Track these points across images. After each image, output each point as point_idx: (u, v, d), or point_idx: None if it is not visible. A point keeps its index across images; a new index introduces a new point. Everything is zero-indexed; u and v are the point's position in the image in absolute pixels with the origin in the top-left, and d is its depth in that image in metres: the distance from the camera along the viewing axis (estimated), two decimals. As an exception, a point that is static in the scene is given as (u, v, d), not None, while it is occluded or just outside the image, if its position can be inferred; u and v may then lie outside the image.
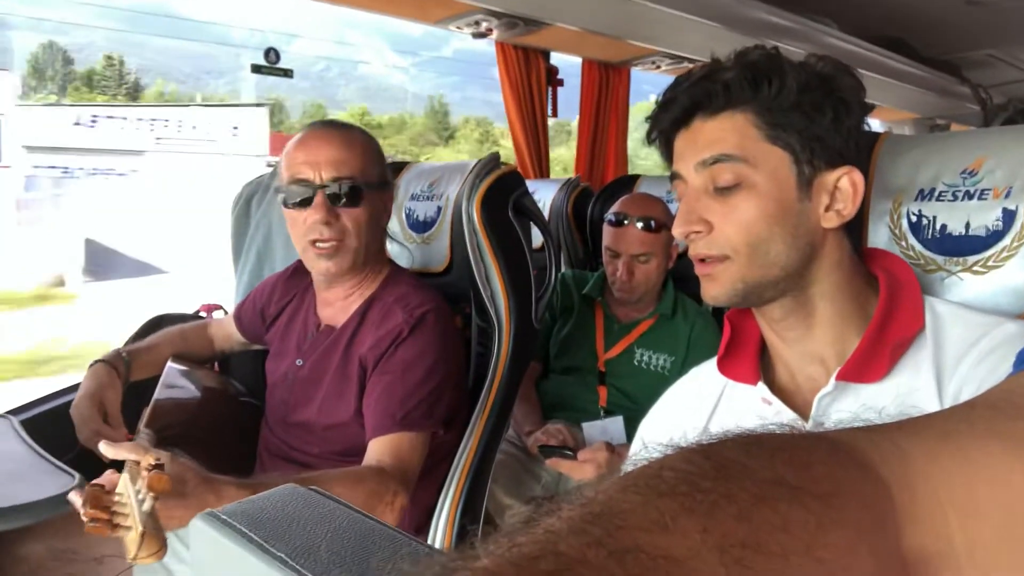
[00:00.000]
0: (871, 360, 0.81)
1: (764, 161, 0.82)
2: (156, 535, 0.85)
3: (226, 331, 1.67)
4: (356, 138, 1.37)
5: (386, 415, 1.28)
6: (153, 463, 0.90)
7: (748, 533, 0.27)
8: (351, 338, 1.40)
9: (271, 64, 2.53)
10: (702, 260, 0.85)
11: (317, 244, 1.33)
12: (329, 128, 1.38)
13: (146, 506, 0.87)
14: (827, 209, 0.83)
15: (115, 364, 1.43)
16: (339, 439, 1.38)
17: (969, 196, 0.91)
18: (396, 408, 1.28)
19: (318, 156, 1.32)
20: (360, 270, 1.40)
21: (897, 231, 0.96)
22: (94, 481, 0.98)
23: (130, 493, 0.91)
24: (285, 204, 1.36)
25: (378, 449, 1.26)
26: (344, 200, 1.32)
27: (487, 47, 2.90)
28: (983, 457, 0.35)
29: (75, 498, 1.00)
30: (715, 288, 0.85)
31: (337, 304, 1.45)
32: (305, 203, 1.32)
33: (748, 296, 0.85)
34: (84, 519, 0.93)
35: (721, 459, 0.31)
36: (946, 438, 0.37)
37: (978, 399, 0.41)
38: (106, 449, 1.00)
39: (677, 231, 0.86)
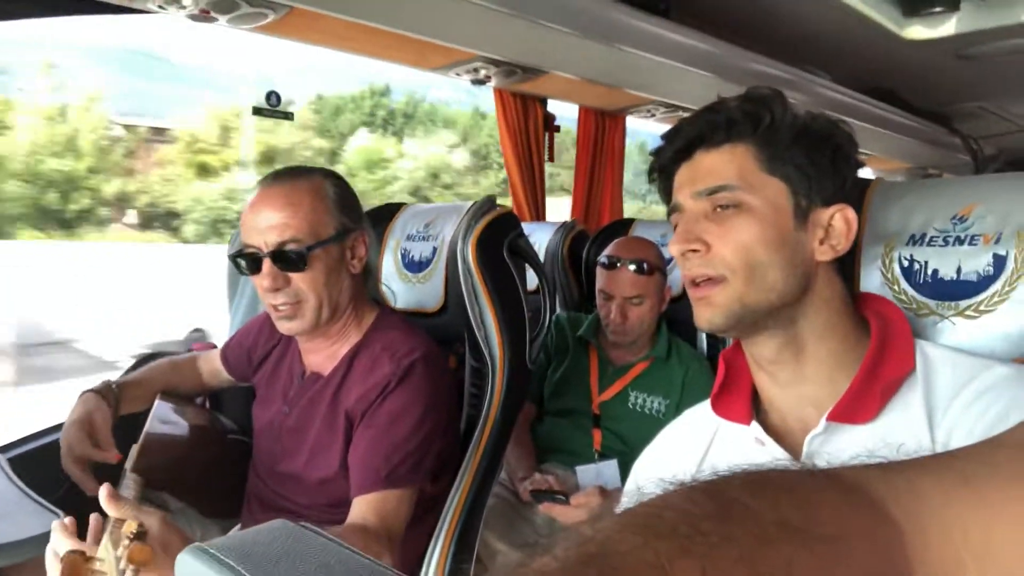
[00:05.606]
0: (861, 401, 0.81)
1: (762, 189, 0.84)
2: None
3: (214, 367, 1.63)
4: (304, 193, 1.29)
5: (371, 471, 1.24)
6: (135, 531, 0.87)
7: None
8: (338, 387, 1.35)
9: (272, 107, 2.55)
10: (696, 284, 0.85)
11: (275, 307, 1.30)
12: (276, 185, 1.30)
13: None
14: (821, 242, 0.85)
15: (104, 393, 1.40)
16: (327, 492, 1.34)
17: (960, 241, 0.92)
18: (381, 464, 1.24)
19: (261, 221, 1.27)
20: (337, 319, 1.35)
21: (889, 275, 0.97)
22: (72, 548, 0.94)
23: (111, 561, 0.88)
24: (239, 271, 1.33)
25: (362, 508, 1.22)
26: (292, 265, 1.27)
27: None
28: (1002, 500, 0.34)
29: (56, 536, 0.97)
30: (710, 311, 0.84)
31: (323, 352, 1.40)
32: (255, 270, 1.28)
33: (743, 320, 0.83)
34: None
35: (724, 499, 0.30)
36: (966, 479, 0.35)
37: (1005, 437, 0.39)
38: (104, 501, 0.95)
39: (674, 248, 0.86)
